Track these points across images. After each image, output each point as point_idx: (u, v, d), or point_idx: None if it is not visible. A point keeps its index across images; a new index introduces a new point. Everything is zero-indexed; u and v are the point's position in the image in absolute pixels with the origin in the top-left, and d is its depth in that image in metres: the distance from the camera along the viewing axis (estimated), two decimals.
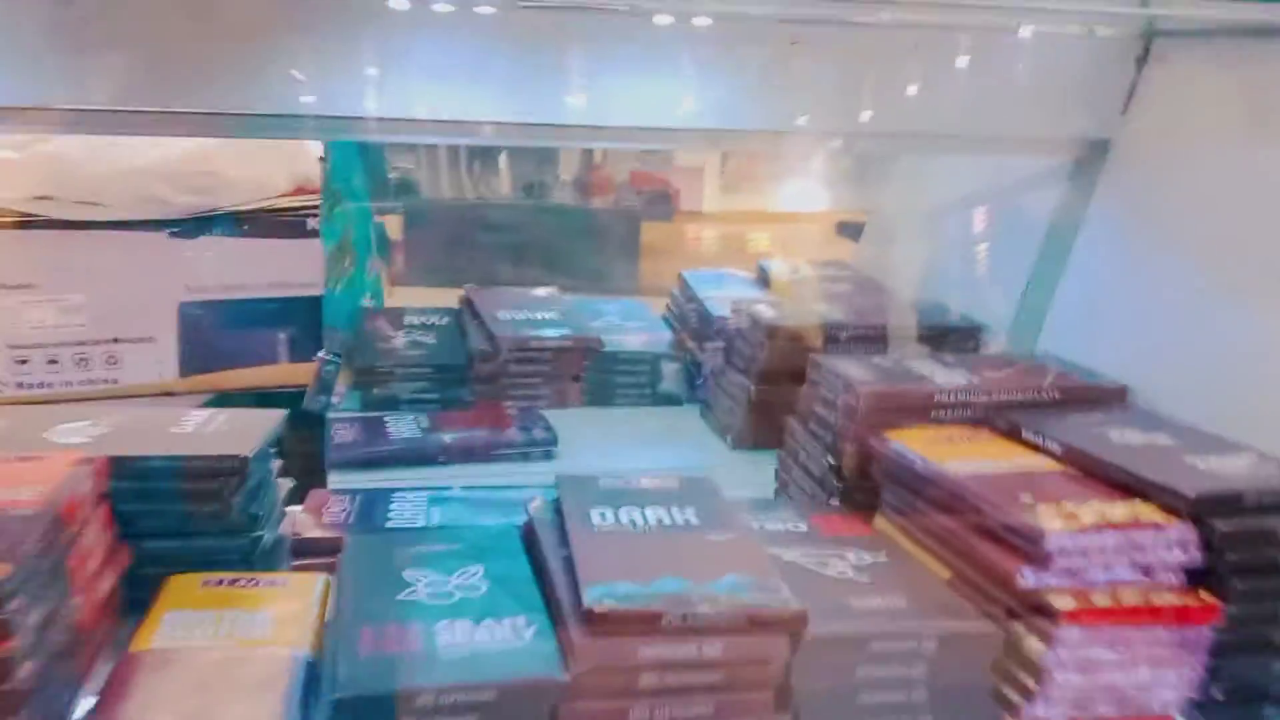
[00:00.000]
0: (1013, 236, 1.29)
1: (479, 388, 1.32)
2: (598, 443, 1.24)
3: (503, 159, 2.78)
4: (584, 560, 0.71)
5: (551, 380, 1.34)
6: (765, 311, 1.24)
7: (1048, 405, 1.00)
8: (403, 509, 0.96)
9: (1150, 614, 0.71)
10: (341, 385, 1.29)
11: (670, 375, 1.39)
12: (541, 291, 1.53)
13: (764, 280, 1.55)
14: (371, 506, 0.97)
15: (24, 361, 1.41)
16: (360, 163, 1.59)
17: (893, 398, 0.97)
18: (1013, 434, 0.94)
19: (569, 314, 1.42)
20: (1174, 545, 0.73)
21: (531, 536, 0.81)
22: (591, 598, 0.65)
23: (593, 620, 0.64)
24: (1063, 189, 1.20)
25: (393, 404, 1.30)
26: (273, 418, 0.91)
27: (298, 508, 0.96)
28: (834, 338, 1.21)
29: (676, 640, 0.65)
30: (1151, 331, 1.05)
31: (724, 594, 0.67)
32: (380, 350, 1.34)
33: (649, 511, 0.80)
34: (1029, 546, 0.73)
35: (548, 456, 1.18)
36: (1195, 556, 0.74)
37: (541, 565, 0.76)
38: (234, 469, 0.81)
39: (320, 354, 1.10)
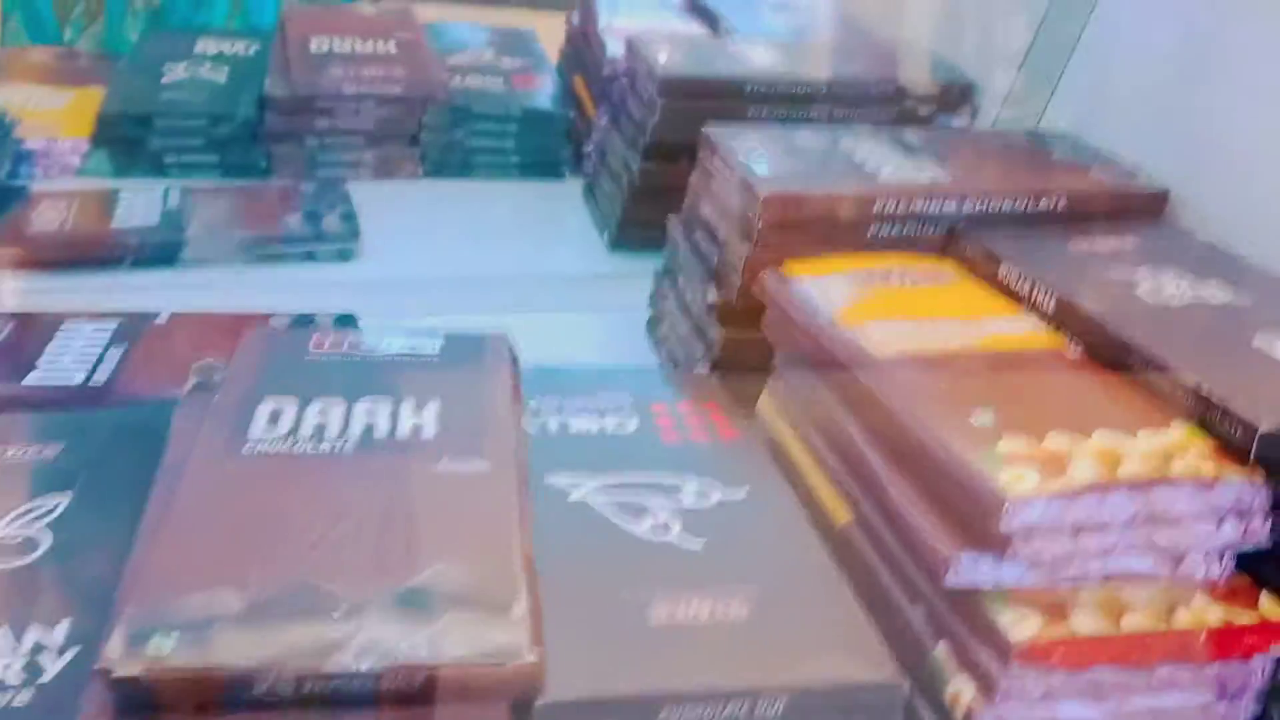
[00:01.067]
0: None
1: (276, 151, 0.96)
2: (425, 237, 0.90)
3: None
4: (163, 539, 0.39)
5: (377, 143, 0.98)
6: (663, 54, 0.86)
7: (1049, 219, 0.66)
8: (64, 352, 0.64)
9: (1175, 645, 0.41)
10: (81, 141, 0.94)
11: (547, 138, 1.02)
12: (385, 8, 1.13)
13: (700, 10, 1.15)
14: (23, 343, 0.65)
15: None
16: None
17: (811, 205, 0.63)
18: (988, 268, 0.61)
19: (411, 47, 1.03)
20: (1227, 515, 0.42)
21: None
22: (119, 643, 0.34)
23: (115, 690, 0.34)
24: None
25: (156, 169, 0.95)
26: None
27: None
28: (756, 97, 0.85)
29: None
30: (1208, 116, 0.69)
31: (398, 619, 0.36)
32: (138, 90, 0.97)
33: (363, 408, 0.48)
34: (973, 515, 0.41)
35: (343, 257, 0.84)
36: (1260, 534, 0.43)
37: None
38: None
39: None
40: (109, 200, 0.85)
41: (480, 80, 1.02)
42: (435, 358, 0.54)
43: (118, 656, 0.34)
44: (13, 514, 0.45)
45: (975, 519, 0.41)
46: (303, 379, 0.50)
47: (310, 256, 0.83)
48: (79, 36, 1.34)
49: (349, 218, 0.85)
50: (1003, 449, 0.43)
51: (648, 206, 0.86)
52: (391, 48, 1.01)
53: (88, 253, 0.79)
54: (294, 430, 0.46)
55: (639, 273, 0.81)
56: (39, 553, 0.43)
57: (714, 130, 0.71)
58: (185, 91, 0.97)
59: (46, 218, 0.81)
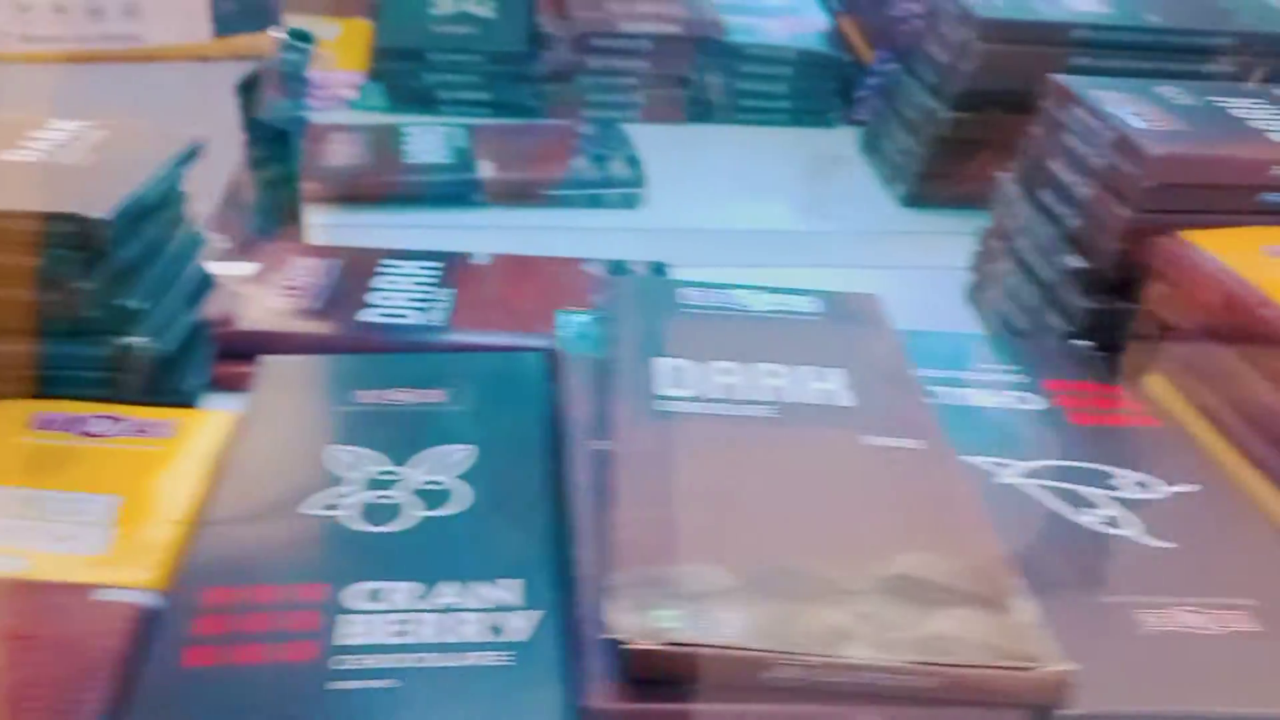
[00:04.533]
0: None
1: (546, 89, 0.94)
2: (704, 183, 0.87)
3: None
4: (628, 506, 0.37)
5: (648, 83, 0.95)
6: None
7: None
8: (394, 291, 0.63)
9: None
10: (356, 74, 0.93)
11: (822, 82, 0.97)
12: None
13: None
14: (349, 281, 0.64)
15: (27, 9, 1.10)
16: None
17: (1203, 167, 0.57)
18: None
19: None
20: None
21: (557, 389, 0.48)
22: (625, 616, 0.32)
23: (633, 664, 0.32)
24: None
25: (429, 104, 0.94)
26: (169, 147, 0.57)
27: (246, 267, 0.65)
28: (1082, 44, 0.78)
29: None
30: None
31: (898, 610, 0.33)
32: (409, 23, 0.96)
33: (767, 371, 0.45)
34: None
35: (628, 203, 0.81)
36: None
37: (561, 467, 0.43)
38: (77, 236, 0.48)
39: (274, 30, 0.73)
40: (394, 137, 0.84)
41: (755, 20, 0.97)
42: (818, 317, 0.50)
43: (629, 629, 0.31)
44: (419, 464, 0.44)
45: None
46: (691, 334, 0.47)
47: (596, 201, 0.81)
48: None
49: (634, 162, 0.82)
50: None
51: (954, 160, 0.81)
52: None
53: (384, 190, 0.78)
54: (699, 393, 0.43)
55: (940, 231, 0.76)
56: (465, 505, 0.41)
57: (1068, 79, 0.65)
58: (457, 25, 0.95)
59: (341, 152, 0.81)
